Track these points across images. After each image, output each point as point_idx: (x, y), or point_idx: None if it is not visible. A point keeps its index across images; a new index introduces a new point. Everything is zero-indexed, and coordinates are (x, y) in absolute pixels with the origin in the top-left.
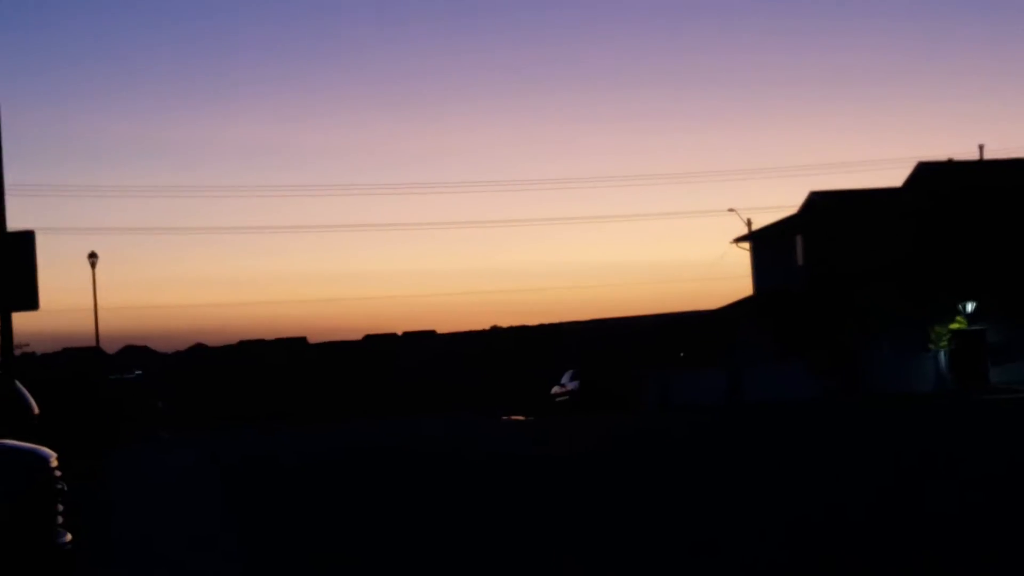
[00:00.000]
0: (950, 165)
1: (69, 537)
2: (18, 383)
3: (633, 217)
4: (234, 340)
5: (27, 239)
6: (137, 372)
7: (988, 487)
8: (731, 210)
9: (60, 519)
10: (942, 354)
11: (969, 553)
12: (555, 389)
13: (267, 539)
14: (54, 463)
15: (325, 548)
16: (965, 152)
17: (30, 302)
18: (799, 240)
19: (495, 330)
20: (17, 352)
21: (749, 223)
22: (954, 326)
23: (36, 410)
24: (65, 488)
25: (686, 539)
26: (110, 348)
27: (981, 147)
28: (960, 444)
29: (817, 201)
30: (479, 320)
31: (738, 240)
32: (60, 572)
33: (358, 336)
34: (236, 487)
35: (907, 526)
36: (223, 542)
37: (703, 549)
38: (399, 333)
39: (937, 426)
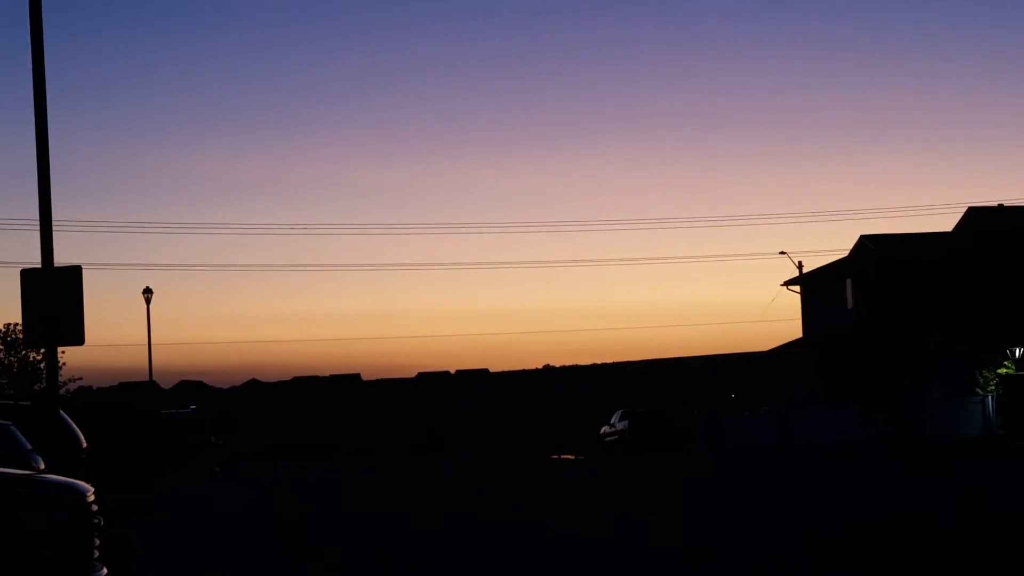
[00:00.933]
0: (1000, 210)
1: (105, 571)
2: (65, 416)
3: (686, 259)
4: (288, 376)
5: (74, 274)
6: (192, 407)
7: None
8: (783, 253)
9: (96, 552)
10: (990, 399)
11: None
12: (604, 429)
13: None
14: (91, 497)
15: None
16: (1015, 198)
17: (76, 337)
18: (849, 284)
19: (547, 369)
20: (72, 385)
21: (800, 266)
22: (1002, 371)
23: (84, 443)
24: (102, 522)
25: None
26: (165, 383)
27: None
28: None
29: (867, 245)
30: (532, 360)
31: (789, 283)
32: None
33: (412, 374)
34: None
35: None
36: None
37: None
38: (452, 371)
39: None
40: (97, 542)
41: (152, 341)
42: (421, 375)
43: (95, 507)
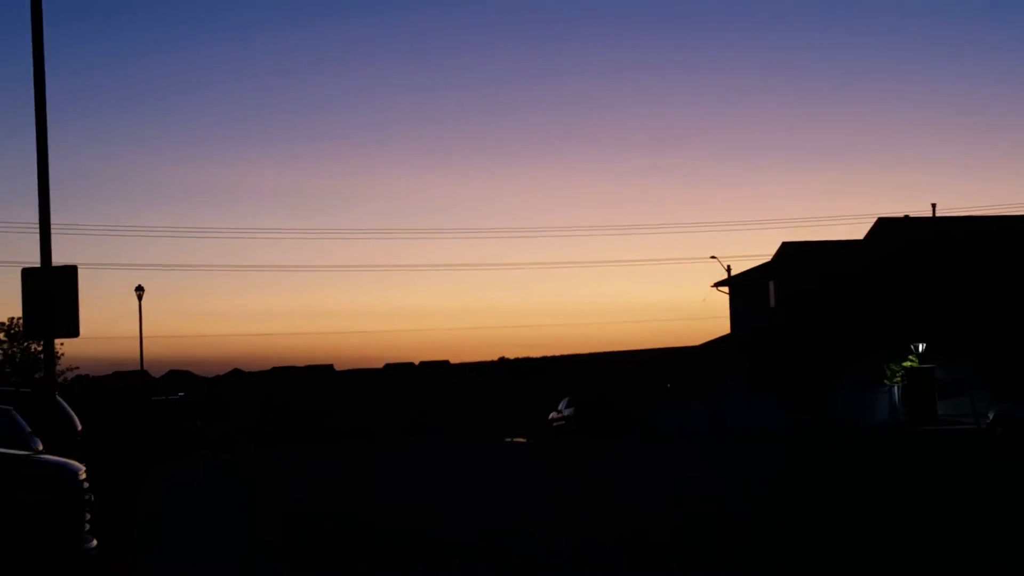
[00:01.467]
0: (906, 220)
1: (95, 543)
2: (61, 400)
3: (626, 263)
4: (268, 367)
5: (70, 273)
6: (180, 394)
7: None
8: (713, 257)
9: (87, 526)
10: (896, 389)
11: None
12: (553, 415)
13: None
14: (83, 476)
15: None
16: (919, 210)
17: (72, 330)
18: (771, 286)
19: (503, 361)
20: (70, 374)
21: (728, 269)
22: (907, 364)
23: (79, 427)
24: (92, 499)
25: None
26: (156, 372)
27: (934, 205)
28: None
29: (788, 251)
30: (489, 352)
31: (718, 284)
32: (86, 574)
33: (380, 364)
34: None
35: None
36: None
37: None
38: (416, 363)
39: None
40: (88, 516)
41: (143, 334)
42: (388, 365)
43: (87, 485)
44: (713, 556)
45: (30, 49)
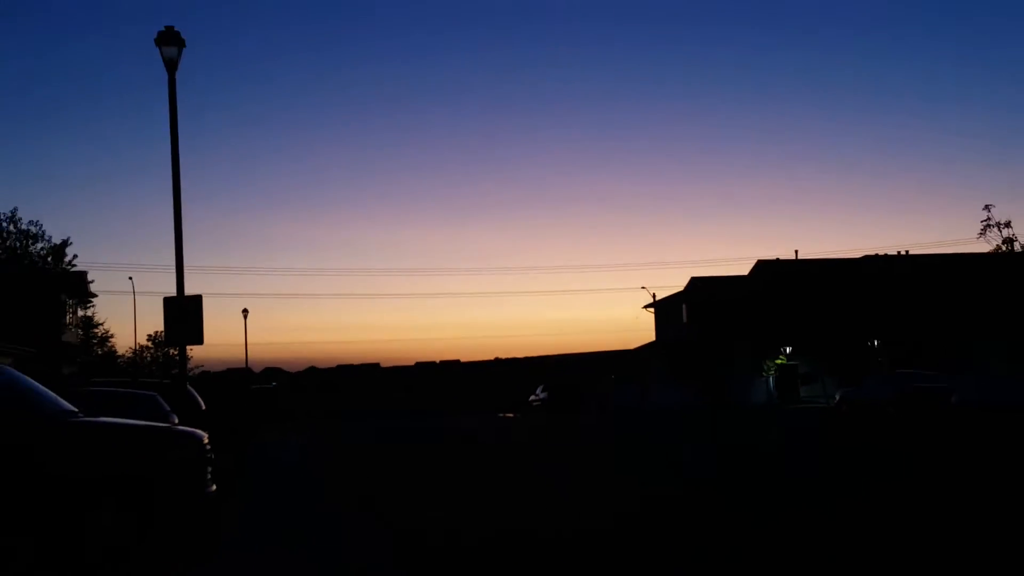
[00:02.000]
0: (778, 262)
1: (214, 488)
2: (191, 389)
3: (582, 291)
4: (335, 364)
5: (197, 300)
6: (273, 384)
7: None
8: (643, 288)
9: (209, 475)
10: (771, 379)
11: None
12: (532, 397)
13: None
14: (206, 441)
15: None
16: (786, 254)
17: (197, 339)
18: (684, 307)
19: (497, 360)
20: (196, 371)
21: (654, 296)
22: (778, 361)
23: (203, 406)
24: (213, 456)
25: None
26: (256, 368)
27: (796, 251)
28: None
29: (695, 283)
30: (487, 354)
31: (647, 306)
32: (207, 511)
33: (411, 363)
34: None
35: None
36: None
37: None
38: (437, 361)
39: (753, 420)
40: (210, 469)
41: (248, 342)
42: (418, 363)
43: (208, 447)
44: (609, 463)
45: (167, 126)
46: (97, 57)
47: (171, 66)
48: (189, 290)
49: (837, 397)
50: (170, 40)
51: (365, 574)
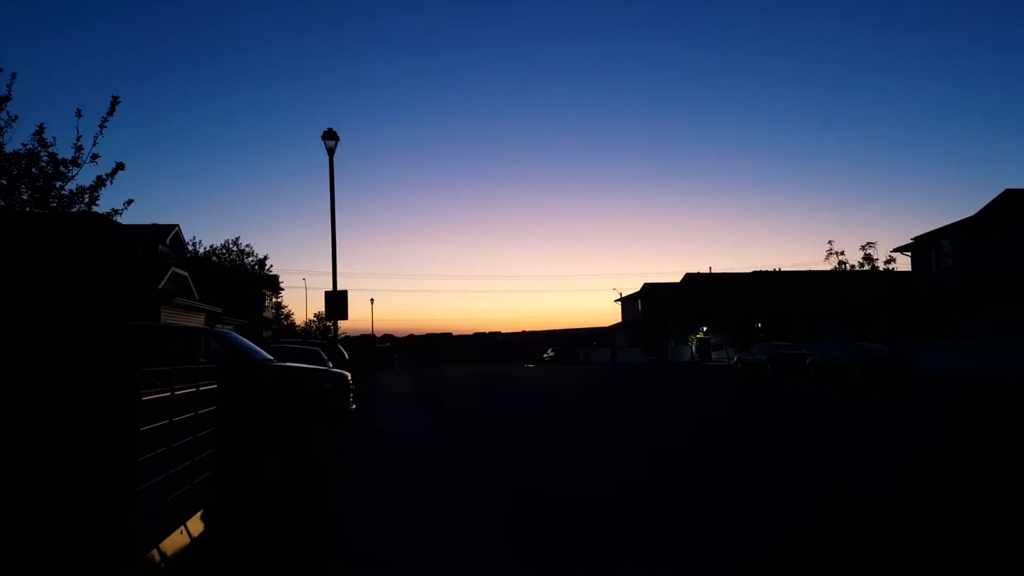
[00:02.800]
0: (699, 274)
1: (355, 406)
2: (341, 347)
3: (578, 289)
4: (424, 333)
5: (343, 294)
6: (388, 343)
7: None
8: (615, 289)
9: (352, 397)
10: (693, 346)
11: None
12: (545, 355)
13: (430, 399)
14: (350, 378)
15: (456, 402)
16: (705, 268)
17: (344, 316)
18: (640, 301)
19: (523, 332)
20: (341, 335)
21: (621, 294)
22: (698, 336)
23: (347, 357)
24: (354, 387)
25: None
26: (377, 334)
27: (710, 268)
28: (686, 376)
29: (648, 287)
30: (517, 327)
31: (617, 300)
32: (349, 418)
33: (471, 332)
34: (421, 382)
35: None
36: (414, 398)
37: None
38: (487, 332)
39: (684, 370)
40: (352, 396)
41: (373, 319)
42: (476, 333)
43: (351, 380)
44: (604, 396)
45: (328, 184)
46: (289, 146)
47: (330, 152)
48: (340, 286)
49: (735, 359)
50: (330, 136)
51: (427, 428)
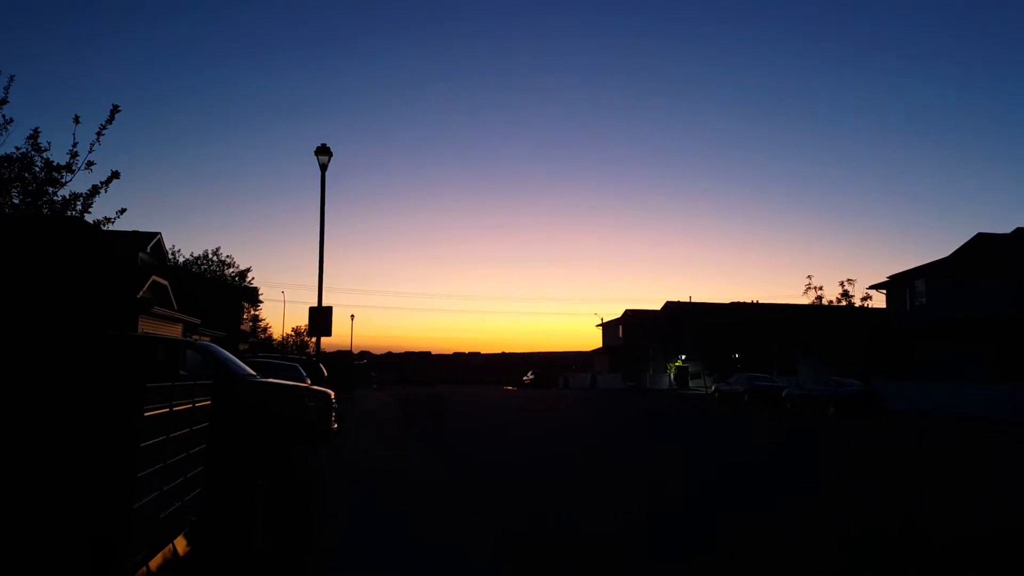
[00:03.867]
0: (679, 302)
1: (336, 426)
2: (320, 364)
3: (563, 314)
4: (403, 351)
5: (328, 309)
6: (364, 360)
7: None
8: (596, 314)
9: (334, 417)
10: (671, 374)
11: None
12: (524, 377)
13: (406, 410)
14: (332, 395)
15: (431, 415)
16: (685, 297)
17: (328, 333)
18: (621, 327)
19: (504, 353)
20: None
21: (602, 320)
22: (677, 364)
23: (326, 373)
24: (336, 405)
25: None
26: (355, 351)
27: (690, 296)
28: (666, 405)
29: (628, 314)
30: (498, 348)
31: (599, 325)
32: (331, 437)
33: (450, 352)
34: (398, 402)
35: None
36: (391, 409)
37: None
38: (467, 352)
39: (662, 399)
40: (334, 414)
41: (353, 334)
42: (455, 352)
43: (334, 399)
44: (574, 417)
45: (319, 199)
46: (277, 159)
47: (323, 167)
48: (326, 302)
49: (713, 387)
50: (323, 151)
51: (399, 441)
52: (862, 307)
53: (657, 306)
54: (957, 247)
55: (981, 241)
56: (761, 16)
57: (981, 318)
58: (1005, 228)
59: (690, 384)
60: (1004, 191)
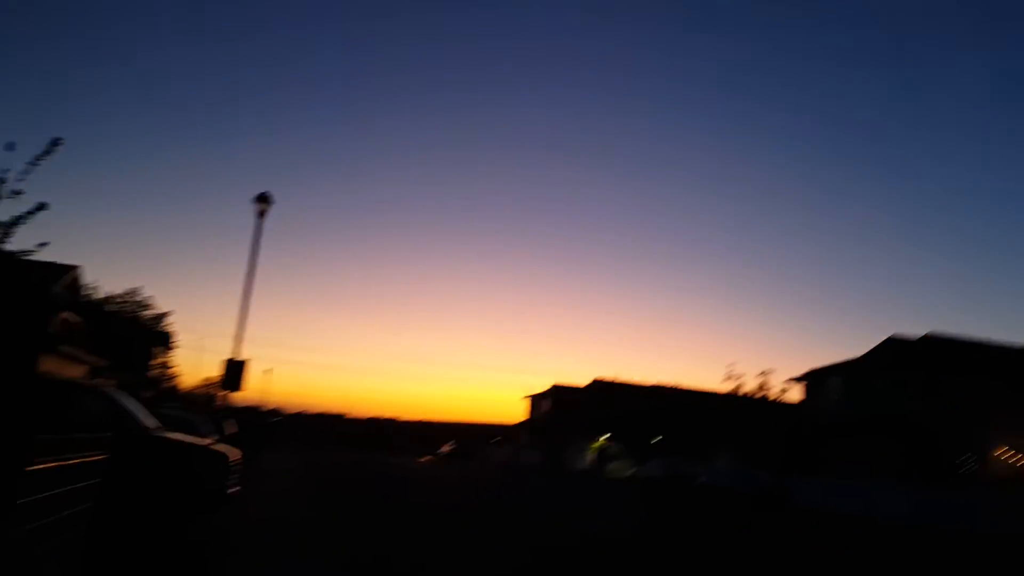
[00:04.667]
0: (606, 381)
1: (238, 488)
2: (230, 420)
3: (483, 382)
4: (315, 411)
5: (243, 362)
6: (277, 418)
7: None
8: (523, 389)
9: (235, 478)
10: (592, 455)
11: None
12: (442, 449)
13: (316, 473)
14: (234, 456)
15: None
16: (613, 375)
17: (239, 387)
18: (547, 401)
19: (421, 421)
20: (227, 405)
21: (529, 394)
22: (598, 445)
23: (236, 429)
24: (239, 466)
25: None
26: (267, 407)
27: (615, 377)
28: (579, 487)
29: (556, 389)
30: (417, 415)
31: (525, 398)
32: (229, 503)
33: (364, 417)
34: (307, 466)
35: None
36: (297, 473)
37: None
38: (383, 417)
39: (579, 484)
40: (236, 474)
41: (265, 391)
42: (369, 418)
43: (239, 459)
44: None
45: (250, 247)
46: (215, 207)
47: (260, 214)
48: (242, 355)
49: (631, 471)
50: (262, 199)
51: (304, 517)
52: (777, 401)
53: (586, 380)
54: (873, 345)
55: (892, 344)
56: (682, 102)
57: (891, 416)
58: (918, 331)
59: (610, 465)
60: (918, 296)
